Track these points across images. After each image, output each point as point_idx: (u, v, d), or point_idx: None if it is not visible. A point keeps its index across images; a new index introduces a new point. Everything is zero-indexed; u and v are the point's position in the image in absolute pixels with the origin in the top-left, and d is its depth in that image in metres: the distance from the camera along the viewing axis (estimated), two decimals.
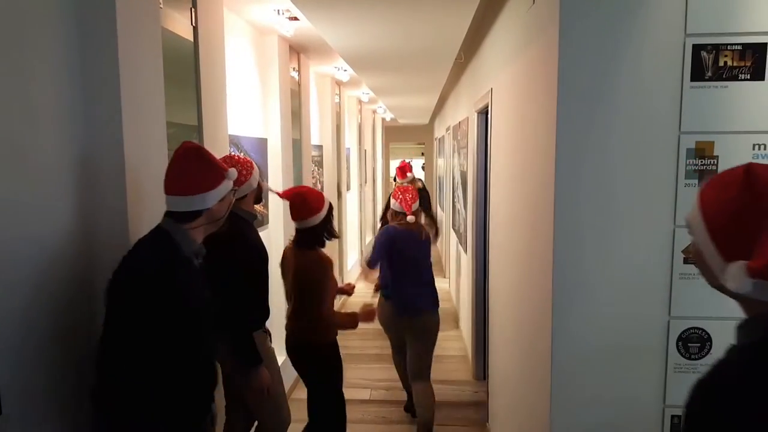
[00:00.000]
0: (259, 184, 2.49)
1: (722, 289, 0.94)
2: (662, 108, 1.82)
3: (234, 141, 3.17)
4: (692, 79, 1.79)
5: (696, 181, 1.82)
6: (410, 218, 3.24)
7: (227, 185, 1.75)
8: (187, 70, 2.51)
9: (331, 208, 2.74)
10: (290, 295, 2.78)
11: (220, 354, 2.30)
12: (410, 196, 3.27)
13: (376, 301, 3.42)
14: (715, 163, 1.81)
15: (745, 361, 0.88)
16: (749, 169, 0.89)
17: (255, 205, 2.55)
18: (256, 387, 2.34)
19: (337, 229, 2.87)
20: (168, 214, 1.70)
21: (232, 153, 2.63)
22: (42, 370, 1.59)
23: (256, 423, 2.65)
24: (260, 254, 2.44)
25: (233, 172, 1.77)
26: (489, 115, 3.44)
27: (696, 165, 1.82)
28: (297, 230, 2.72)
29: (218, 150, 2.78)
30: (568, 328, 1.89)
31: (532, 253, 2.22)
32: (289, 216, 2.73)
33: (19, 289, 1.49)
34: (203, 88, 2.60)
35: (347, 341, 5.43)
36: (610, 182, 1.84)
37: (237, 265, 2.30)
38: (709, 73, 1.78)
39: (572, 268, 1.87)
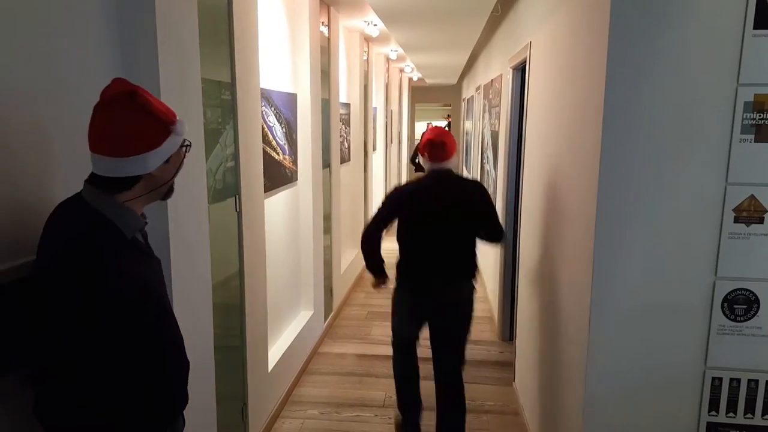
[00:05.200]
0: None
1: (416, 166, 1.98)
2: (720, 58, 1.71)
3: (265, 95, 3.12)
4: (755, 27, 1.68)
5: (752, 137, 1.73)
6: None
7: (174, 142, 1.28)
8: (221, 24, 2.45)
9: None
10: None
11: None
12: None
13: None
14: None
15: None
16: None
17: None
18: None
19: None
20: (93, 181, 1.24)
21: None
22: None
23: None
24: None
25: (182, 125, 1.30)
26: (526, 71, 3.32)
27: (753, 119, 1.72)
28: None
29: (250, 107, 2.74)
30: (609, 286, 1.84)
31: (574, 210, 2.16)
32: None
33: None
34: (237, 43, 2.54)
35: (372, 299, 5.48)
36: (660, 136, 1.75)
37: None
38: None
39: (617, 225, 1.81)
